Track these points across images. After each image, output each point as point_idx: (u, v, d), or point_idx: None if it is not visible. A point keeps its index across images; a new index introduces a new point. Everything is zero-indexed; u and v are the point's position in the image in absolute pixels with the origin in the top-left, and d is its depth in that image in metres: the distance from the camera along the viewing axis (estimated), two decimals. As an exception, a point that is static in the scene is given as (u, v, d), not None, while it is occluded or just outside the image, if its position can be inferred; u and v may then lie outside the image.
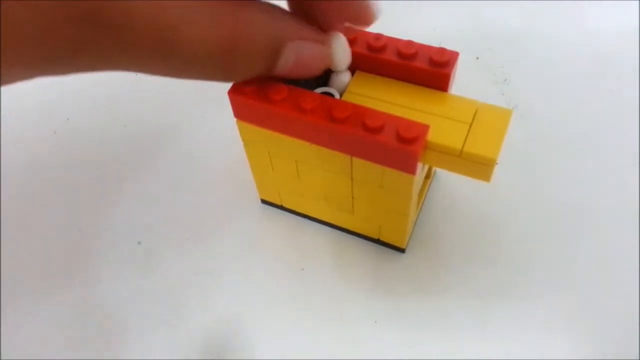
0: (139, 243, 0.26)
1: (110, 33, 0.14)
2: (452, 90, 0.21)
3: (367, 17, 0.18)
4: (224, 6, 0.16)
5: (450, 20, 0.34)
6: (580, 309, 0.23)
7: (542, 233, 0.25)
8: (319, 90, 0.20)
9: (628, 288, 0.23)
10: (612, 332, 0.22)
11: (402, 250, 0.25)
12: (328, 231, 0.25)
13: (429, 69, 0.20)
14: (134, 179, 0.28)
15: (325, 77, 0.21)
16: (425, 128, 0.18)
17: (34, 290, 0.25)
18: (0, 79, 0.14)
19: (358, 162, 0.20)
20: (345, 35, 0.19)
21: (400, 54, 0.20)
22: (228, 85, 0.20)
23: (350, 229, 0.25)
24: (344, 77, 0.21)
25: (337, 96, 0.20)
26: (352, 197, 0.22)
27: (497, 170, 0.19)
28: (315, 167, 0.22)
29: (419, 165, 0.19)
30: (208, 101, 0.30)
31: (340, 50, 0.19)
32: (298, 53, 0.18)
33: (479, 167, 0.19)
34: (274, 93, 0.19)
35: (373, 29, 0.21)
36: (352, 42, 0.21)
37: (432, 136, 0.19)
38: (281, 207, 0.26)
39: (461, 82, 0.22)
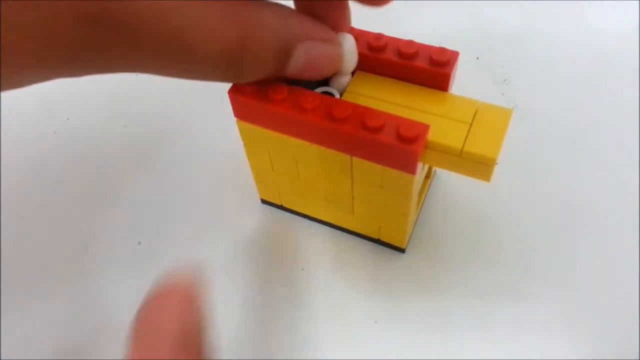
0: (139, 243, 0.26)
1: (120, 35, 0.14)
2: (452, 90, 0.21)
3: None
4: (234, 7, 0.16)
5: (450, 20, 0.34)
6: (580, 309, 0.23)
7: (542, 233, 0.25)
8: (319, 90, 0.20)
9: (628, 288, 0.23)
10: (612, 332, 0.22)
11: (402, 250, 0.24)
12: (328, 231, 0.25)
13: (429, 69, 0.20)
14: (134, 178, 0.28)
15: (325, 76, 0.21)
16: (425, 128, 0.18)
17: (34, 290, 0.25)
18: (15, 80, 0.14)
19: (358, 162, 0.20)
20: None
21: (400, 54, 0.20)
22: (228, 85, 0.20)
23: (350, 229, 0.25)
24: (345, 77, 0.21)
25: (337, 96, 0.20)
26: (352, 197, 0.22)
27: (497, 170, 0.19)
28: (315, 167, 0.22)
29: (419, 165, 0.19)
30: (208, 101, 0.30)
31: (349, 52, 0.19)
32: (308, 54, 0.18)
33: (479, 166, 0.19)
34: (274, 93, 0.19)
35: (373, 28, 0.21)
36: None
37: (432, 136, 0.19)
38: (281, 207, 0.26)
39: (461, 82, 0.22)
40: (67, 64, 0.14)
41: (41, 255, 0.26)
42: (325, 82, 0.21)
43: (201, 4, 0.15)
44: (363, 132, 0.18)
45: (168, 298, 0.14)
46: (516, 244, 0.25)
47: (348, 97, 0.20)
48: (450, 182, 0.27)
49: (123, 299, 0.24)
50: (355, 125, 0.19)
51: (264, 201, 0.27)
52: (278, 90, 0.19)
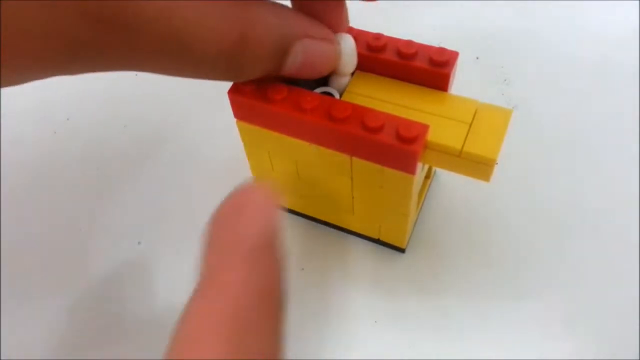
0: (139, 243, 0.26)
1: (119, 34, 0.14)
2: (452, 90, 0.21)
3: None
4: (233, 6, 0.16)
5: (450, 20, 0.34)
6: (580, 309, 0.23)
7: (542, 233, 0.25)
8: (318, 90, 0.20)
9: (628, 288, 0.23)
10: (612, 332, 0.22)
11: (402, 250, 0.24)
12: (328, 231, 0.25)
13: (428, 69, 0.20)
14: (134, 178, 0.28)
15: (325, 77, 0.21)
16: (425, 128, 0.18)
17: (34, 290, 0.25)
18: (15, 78, 0.14)
19: (358, 162, 0.20)
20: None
21: (400, 54, 0.20)
22: (228, 85, 0.20)
23: (350, 229, 0.25)
24: (345, 77, 0.21)
25: (337, 96, 0.20)
26: (352, 197, 0.22)
27: (497, 170, 0.19)
28: (315, 167, 0.22)
29: (419, 165, 0.19)
30: (208, 101, 0.30)
31: (348, 52, 0.19)
32: (306, 52, 0.18)
33: (479, 167, 0.19)
34: (274, 93, 0.19)
35: (372, 28, 0.21)
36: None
37: (432, 136, 0.19)
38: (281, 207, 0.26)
39: (461, 82, 0.22)
40: (67, 62, 0.15)
41: (41, 255, 0.26)
42: (325, 82, 0.21)
43: (200, 4, 0.15)
44: (363, 132, 0.18)
45: (248, 201, 0.14)
46: (516, 243, 0.25)
47: (348, 97, 0.20)
48: (450, 182, 0.27)
49: (123, 299, 0.24)
50: (354, 125, 0.19)
51: (263, 201, 0.27)
52: (278, 91, 0.19)
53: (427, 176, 0.25)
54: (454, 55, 0.20)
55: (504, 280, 0.24)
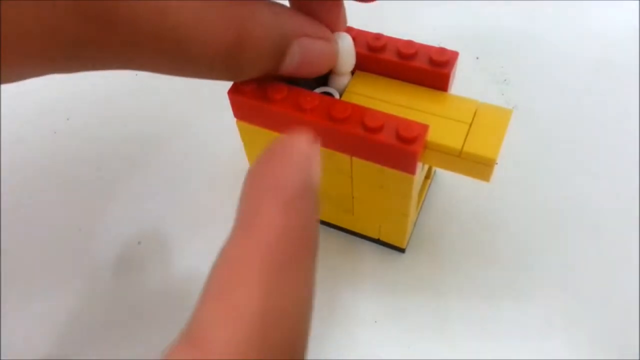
0: (139, 243, 0.26)
1: (117, 32, 0.14)
2: (452, 90, 0.21)
3: None
4: (230, 5, 0.16)
5: (450, 20, 0.34)
6: (580, 309, 0.23)
7: (542, 233, 0.25)
8: (318, 90, 0.20)
9: (628, 288, 0.23)
10: (612, 332, 0.22)
11: (402, 250, 0.24)
12: (328, 231, 0.25)
13: (428, 69, 0.20)
14: (134, 178, 0.28)
15: (325, 77, 0.21)
16: (424, 128, 0.18)
17: (34, 290, 0.25)
18: (10, 75, 0.14)
19: (358, 162, 0.20)
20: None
21: (400, 54, 0.20)
22: (228, 85, 0.20)
23: (350, 229, 0.25)
24: (344, 77, 0.21)
25: (337, 96, 0.20)
26: (352, 197, 0.22)
27: (497, 170, 0.19)
28: (315, 167, 0.22)
29: (419, 165, 0.19)
30: (208, 101, 0.30)
31: (346, 51, 0.19)
32: (304, 51, 0.18)
33: (479, 167, 0.19)
34: (274, 93, 0.19)
35: (372, 28, 0.21)
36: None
37: (431, 136, 0.19)
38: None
39: (461, 82, 0.22)
40: (65, 61, 0.15)
41: (41, 255, 0.26)
42: (325, 82, 0.21)
43: (197, 4, 0.15)
44: (362, 132, 0.18)
45: (288, 149, 0.13)
46: (516, 244, 0.25)
47: (347, 97, 0.20)
48: (450, 182, 0.27)
49: (123, 299, 0.24)
50: (354, 125, 0.19)
51: (263, 201, 0.26)
52: (277, 90, 0.19)
53: (427, 176, 0.25)
54: (454, 55, 0.20)
55: (504, 280, 0.24)
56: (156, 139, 0.30)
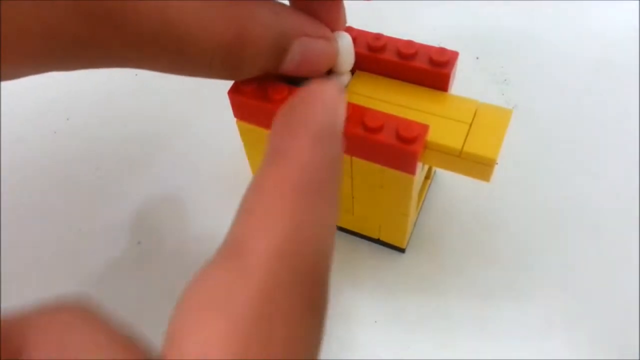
0: (139, 243, 0.26)
1: (117, 31, 0.14)
2: (452, 90, 0.21)
3: None
4: (230, 5, 0.16)
5: (450, 20, 0.34)
6: (580, 309, 0.23)
7: (542, 233, 0.25)
8: (318, 90, 0.20)
9: (628, 288, 0.23)
10: (612, 332, 0.22)
11: (402, 250, 0.24)
12: (328, 231, 0.25)
13: (428, 69, 0.20)
14: (134, 178, 0.28)
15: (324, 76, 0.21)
16: (424, 128, 0.18)
17: (33, 290, 0.25)
18: (10, 73, 0.14)
19: (358, 162, 0.20)
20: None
21: (400, 54, 0.20)
22: (228, 85, 0.20)
23: (350, 229, 0.25)
24: (344, 77, 0.21)
25: (337, 96, 0.20)
26: (352, 197, 0.22)
27: (497, 170, 0.19)
28: (315, 167, 0.22)
29: (419, 165, 0.19)
30: (208, 101, 0.30)
31: (345, 50, 0.19)
32: (304, 50, 0.18)
33: (479, 167, 0.19)
34: (274, 93, 0.19)
35: (372, 28, 0.21)
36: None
37: (431, 136, 0.19)
38: (281, 207, 0.26)
39: (461, 82, 0.22)
40: (64, 59, 0.15)
41: (41, 255, 0.26)
42: (325, 82, 0.21)
43: (197, 3, 0.15)
44: (362, 132, 0.18)
45: (318, 93, 0.14)
46: (516, 244, 0.25)
47: (347, 97, 0.20)
48: (450, 182, 0.27)
49: (123, 299, 0.24)
50: (354, 125, 0.19)
51: (263, 201, 0.26)
52: (278, 90, 0.19)
53: (427, 176, 0.25)
54: (454, 55, 0.20)
55: (504, 280, 0.24)
56: (156, 139, 0.30)
